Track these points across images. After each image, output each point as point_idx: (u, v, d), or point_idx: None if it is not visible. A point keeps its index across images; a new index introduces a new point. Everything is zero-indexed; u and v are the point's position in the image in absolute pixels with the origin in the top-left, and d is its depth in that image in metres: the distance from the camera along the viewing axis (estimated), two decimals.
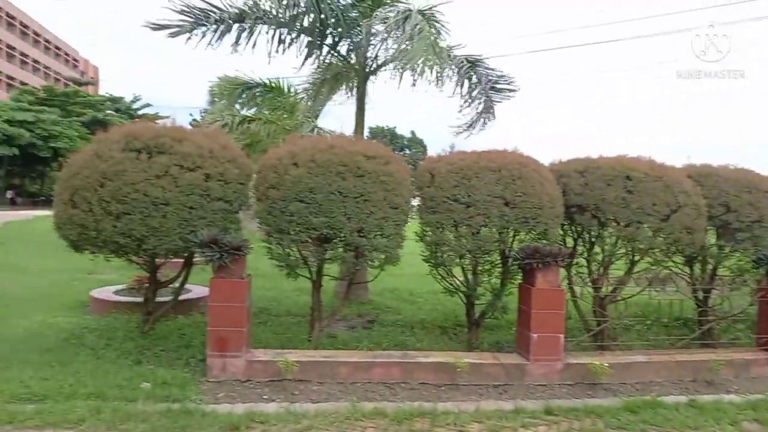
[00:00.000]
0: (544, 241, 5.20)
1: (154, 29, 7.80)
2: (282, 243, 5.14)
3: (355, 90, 8.88)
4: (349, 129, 8.80)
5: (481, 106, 8.76)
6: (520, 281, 5.26)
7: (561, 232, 5.69)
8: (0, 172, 39.67)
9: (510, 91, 8.78)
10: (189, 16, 7.70)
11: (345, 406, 4.10)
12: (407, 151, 62.41)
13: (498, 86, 8.67)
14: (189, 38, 7.85)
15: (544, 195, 5.16)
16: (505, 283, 5.47)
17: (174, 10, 7.59)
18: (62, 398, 4.01)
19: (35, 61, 72.43)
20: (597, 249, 5.63)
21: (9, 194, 40.75)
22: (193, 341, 5.47)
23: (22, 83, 57.58)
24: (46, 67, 74.16)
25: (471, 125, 9.08)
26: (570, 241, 5.84)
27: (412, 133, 73.25)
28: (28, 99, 42.18)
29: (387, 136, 59.97)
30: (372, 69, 8.62)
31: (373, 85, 8.78)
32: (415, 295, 8.59)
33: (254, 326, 5.61)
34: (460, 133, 9.17)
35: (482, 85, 8.44)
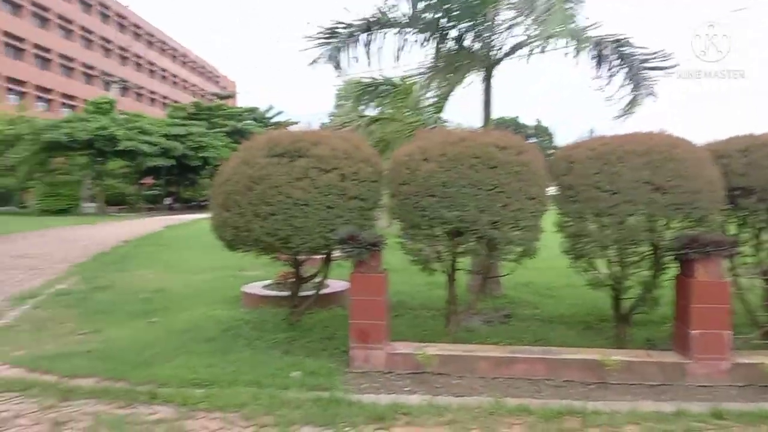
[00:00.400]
0: (702, 229, 4.72)
1: (311, 65, 8.36)
2: (415, 238, 5.20)
3: (481, 81, 8.72)
4: (471, 122, 8.71)
5: (631, 87, 8.16)
6: (676, 273, 4.83)
7: (722, 218, 5.13)
8: (160, 181, 44.62)
9: (668, 68, 8.01)
10: (325, 37, 8.07)
11: (488, 401, 4.04)
12: (533, 140, 60.28)
13: (651, 64, 8.00)
14: (336, 63, 8.26)
15: (700, 178, 4.67)
16: (656, 275, 5.04)
17: (311, 38, 8.03)
18: (225, 384, 4.37)
19: (184, 81, 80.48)
20: (766, 236, 5.00)
21: (167, 201, 45.69)
22: (336, 333, 5.72)
23: (175, 101, 64.27)
24: (193, 85, 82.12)
25: (630, 107, 8.45)
26: (733, 228, 5.24)
27: (538, 121, 70.64)
28: (180, 115, 47.05)
29: (510, 126, 58.38)
30: (497, 58, 8.41)
31: (493, 78, 8.57)
32: (552, 288, 8.25)
33: (391, 319, 5.72)
34: (619, 117, 8.59)
35: (631, 65, 7.86)
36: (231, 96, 75.33)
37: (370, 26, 8.12)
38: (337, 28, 7.99)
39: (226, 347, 5.36)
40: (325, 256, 6.01)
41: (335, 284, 7.58)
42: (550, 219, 5.21)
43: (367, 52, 8.33)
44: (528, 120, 69.52)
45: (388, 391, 4.35)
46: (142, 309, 7.32)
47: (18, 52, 50.32)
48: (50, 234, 19.57)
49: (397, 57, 8.28)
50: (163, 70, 74.75)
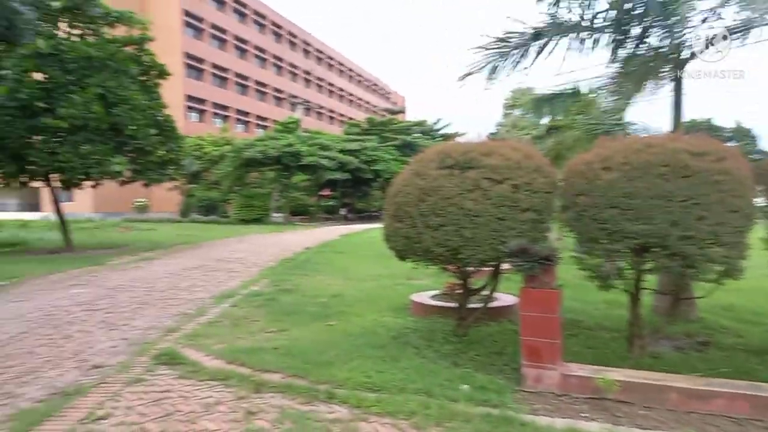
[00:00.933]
0: None
1: (461, 79, 8.36)
2: (593, 252, 4.86)
3: (669, 81, 7.92)
4: (659, 126, 7.93)
5: None
6: None
7: None
8: (336, 193, 47.89)
9: None
10: (495, 47, 7.99)
11: None
12: (731, 144, 53.04)
13: None
14: (492, 73, 8.16)
15: None
16: None
17: (478, 48, 7.99)
18: (396, 391, 4.48)
19: (359, 98, 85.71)
20: None
21: (342, 211, 48.84)
22: (505, 349, 5.56)
23: (350, 118, 68.69)
24: (367, 102, 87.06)
25: None
26: None
27: (737, 123, 62.03)
28: (355, 131, 50.12)
29: (704, 128, 52.09)
30: (689, 55, 7.57)
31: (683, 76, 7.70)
32: (760, 314, 7.12)
33: (564, 338, 5.41)
34: None
35: None
36: (401, 111, 78.35)
37: (540, 35, 7.84)
38: (509, 37, 7.84)
39: (396, 354, 5.50)
40: (493, 268, 5.90)
41: (504, 298, 7.41)
42: (758, 234, 4.52)
43: (534, 59, 8.04)
44: (725, 122, 61.49)
45: (563, 414, 4.10)
46: (321, 312, 7.84)
47: (222, 81, 57.93)
48: (246, 241, 22.04)
49: (577, 55, 7.85)
50: (341, 89, 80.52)
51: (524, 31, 7.71)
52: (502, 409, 4.05)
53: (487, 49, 7.95)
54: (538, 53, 7.97)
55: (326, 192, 48.66)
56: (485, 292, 6.25)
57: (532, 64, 7.96)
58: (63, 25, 16.50)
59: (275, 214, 40.97)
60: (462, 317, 6.24)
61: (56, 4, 15.48)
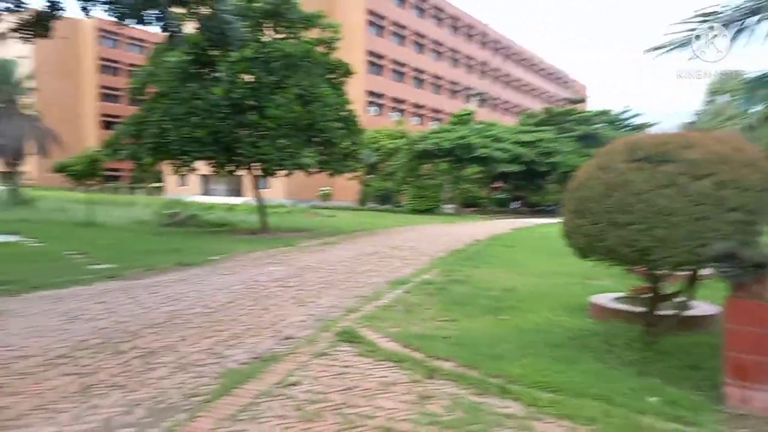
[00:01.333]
0: None
1: (651, 51, 7.61)
2: None
3: None
4: None
5: None
6: None
7: None
8: (508, 185, 46.92)
9: None
10: (701, 20, 7.14)
11: None
12: None
13: None
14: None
15: None
16: None
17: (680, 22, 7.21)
18: (573, 394, 4.28)
19: (536, 88, 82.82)
20: None
21: (514, 204, 47.72)
22: (702, 363, 4.98)
23: (525, 109, 66.70)
24: (545, 92, 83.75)
25: None
26: None
27: None
28: (531, 121, 48.50)
29: None
30: None
31: None
32: None
33: None
34: None
35: None
36: (581, 100, 73.87)
37: (760, 8, 6.77)
38: (719, 12, 6.92)
39: (573, 356, 5.25)
40: (690, 273, 5.32)
41: (701, 306, 6.64)
42: None
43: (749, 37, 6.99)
44: None
45: None
46: (492, 305, 7.76)
47: (400, 75, 60.01)
48: (417, 230, 22.70)
49: None
50: (517, 80, 78.44)
51: (740, 5, 6.76)
52: (698, 428, 3.66)
53: (691, 23, 7.12)
54: (752, 30, 6.94)
55: (498, 184, 47.91)
56: (679, 299, 5.66)
57: (747, 42, 6.97)
58: (269, 31, 18.49)
59: (446, 206, 41.49)
60: (650, 324, 5.73)
61: (258, 5, 17.31)
